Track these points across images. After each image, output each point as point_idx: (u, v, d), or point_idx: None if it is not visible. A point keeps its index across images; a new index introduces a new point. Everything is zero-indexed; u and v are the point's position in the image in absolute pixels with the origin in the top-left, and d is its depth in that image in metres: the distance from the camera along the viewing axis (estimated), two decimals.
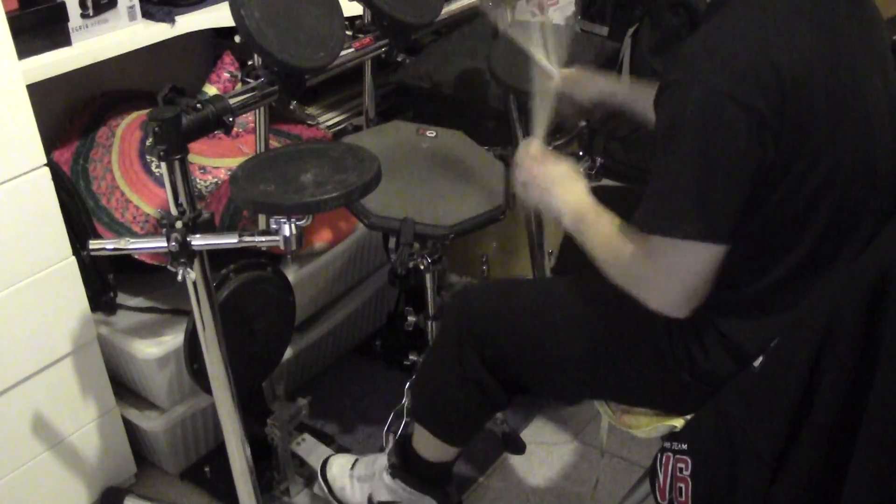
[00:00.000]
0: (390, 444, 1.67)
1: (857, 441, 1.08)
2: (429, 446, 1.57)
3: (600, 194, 1.39)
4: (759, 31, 1.10)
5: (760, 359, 1.20)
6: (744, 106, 1.07)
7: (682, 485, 1.25)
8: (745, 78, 1.07)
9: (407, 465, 1.62)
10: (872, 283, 1.04)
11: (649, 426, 1.35)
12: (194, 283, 1.28)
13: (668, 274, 1.17)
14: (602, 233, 1.27)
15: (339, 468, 1.75)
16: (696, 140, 1.10)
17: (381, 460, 1.67)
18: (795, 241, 1.19)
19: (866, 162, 1.18)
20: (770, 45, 1.09)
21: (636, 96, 1.54)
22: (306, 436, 1.86)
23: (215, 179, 1.84)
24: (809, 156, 1.13)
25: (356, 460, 1.75)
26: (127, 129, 1.85)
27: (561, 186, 1.34)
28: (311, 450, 1.84)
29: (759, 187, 1.13)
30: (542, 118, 1.45)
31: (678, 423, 1.32)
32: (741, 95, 1.07)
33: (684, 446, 1.26)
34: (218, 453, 1.80)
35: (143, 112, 1.90)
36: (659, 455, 1.29)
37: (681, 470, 1.25)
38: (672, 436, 1.30)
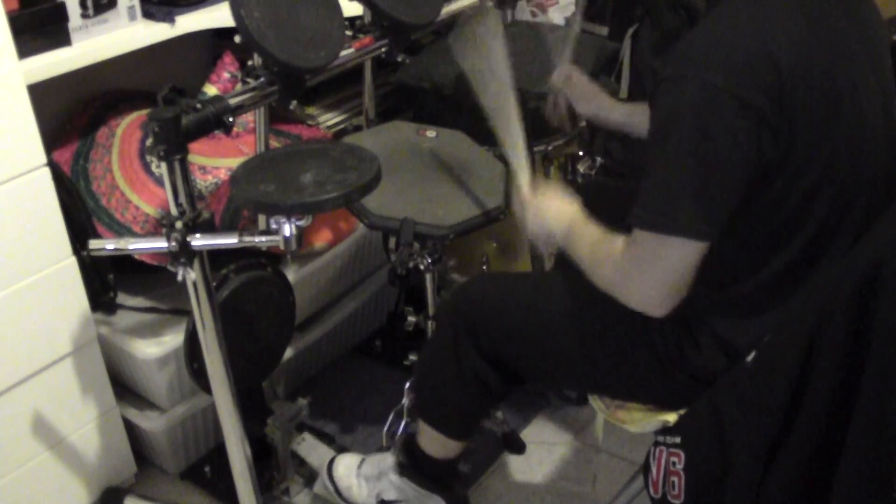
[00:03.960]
0: (396, 443, 1.67)
1: (848, 434, 1.08)
2: (433, 443, 1.58)
3: (595, 191, 1.39)
4: (757, 26, 1.10)
5: (753, 354, 1.20)
6: (743, 102, 1.06)
7: (675, 478, 1.25)
8: (745, 73, 1.07)
9: (414, 464, 1.62)
10: (862, 279, 1.04)
11: (642, 421, 1.36)
12: (194, 283, 1.28)
13: (652, 270, 1.15)
14: (587, 239, 1.27)
15: (346, 468, 1.74)
16: (693, 137, 1.08)
17: (389, 459, 1.67)
18: (788, 239, 1.19)
19: (859, 160, 1.18)
20: (769, 41, 1.08)
21: (633, 120, 1.55)
22: (306, 435, 1.86)
23: (215, 179, 1.84)
24: (805, 153, 1.12)
25: (363, 459, 1.74)
26: (127, 129, 1.85)
27: (553, 212, 1.36)
28: (311, 450, 1.84)
29: (755, 185, 1.12)
30: (519, 163, 1.48)
31: (671, 417, 1.33)
32: (740, 92, 1.06)
33: (677, 440, 1.26)
34: (218, 453, 1.80)
35: (143, 112, 1.90)
36: (652, 449, 1.30)
37: (674, 464, 1.25)
38: (665, 430, 1.30)
